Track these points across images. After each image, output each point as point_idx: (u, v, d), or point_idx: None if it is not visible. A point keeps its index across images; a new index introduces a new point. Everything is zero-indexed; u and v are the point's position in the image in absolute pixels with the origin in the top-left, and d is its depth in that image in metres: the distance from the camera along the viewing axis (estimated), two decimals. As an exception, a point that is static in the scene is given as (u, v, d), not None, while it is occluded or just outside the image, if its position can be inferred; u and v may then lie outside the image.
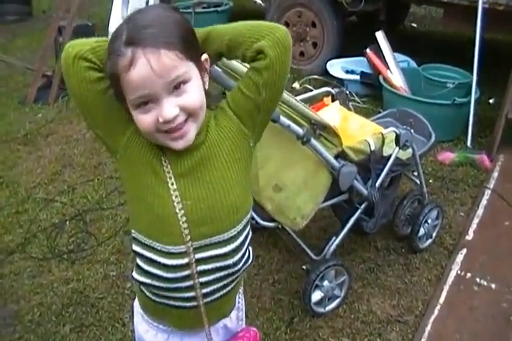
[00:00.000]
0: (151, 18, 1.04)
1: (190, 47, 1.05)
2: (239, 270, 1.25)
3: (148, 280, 1.21)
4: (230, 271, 1.22)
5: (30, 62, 4.94)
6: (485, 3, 3.76)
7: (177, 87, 1.04)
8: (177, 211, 1.13)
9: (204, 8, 6.02)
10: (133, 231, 1.20)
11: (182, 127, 1.07)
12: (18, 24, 6.83)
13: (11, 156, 3.72)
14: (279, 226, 2.23)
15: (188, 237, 1.14)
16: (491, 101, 4.34)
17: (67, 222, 3.01)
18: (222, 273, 1.22)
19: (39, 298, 2.49)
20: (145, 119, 1.05)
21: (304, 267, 2.37)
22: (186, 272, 1.17)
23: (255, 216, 2.22)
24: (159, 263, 1.17)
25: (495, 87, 4.18)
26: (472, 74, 3.76)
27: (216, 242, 1.17)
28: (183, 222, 1.13)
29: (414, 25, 6.57)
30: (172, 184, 1.13)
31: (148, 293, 1.26)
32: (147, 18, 1.04)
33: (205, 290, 1.21)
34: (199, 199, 1.15)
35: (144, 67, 0.99)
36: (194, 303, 1.22)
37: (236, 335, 1.38)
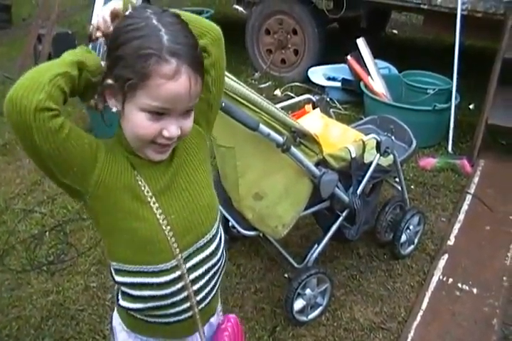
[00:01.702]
0: (184, 34, 1.03)
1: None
2: (221, 266, 1.27)
3: (141, 305, 1.18)
4: (216, 268, 1.24)
5: (9, 71, 4.88)
6: (463, 10, 3.80)
7: (187, 111, 1.06)
8: (164, 228, 1.12)
9: (185, 15, 6.01)
10: (114, 263, 1.16)
11: (171, 145, 1.10)
12: (-3, 32, 6.77)
13: (-10, 166, 3.66)
14: (261, 234, 2.21)
15: (177, 250, 1.14)
16: (471, 106, 4.39)
17: (47, 233, 2.97)
18: (210, 274, 1.23)
19: (17, 311, 2.44)
20: (151, 127, 1.03)
21: (286, 275, 2.36)
22: (180, 284, 1.17)
23: (236, 225, 2.20)
24: (151, 284, 1.15)
25: (475, 93, 4.23)
26: (452, 81, 3.79)
27: (202, 245, 1.19)
28: (170, 237, 1.13)
29: (395, 31, 6.61)
30: (154, 203, 1.12)
31: (139, 316, 1.23)
32: (179, 30, 1.03)
33: (198, 297, 1.21)
34: (181, 210, 1.15)
35: (185, 84, 1.00)
36: (189, 313, 1.21)
37: (219, 328, 1.38)
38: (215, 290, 1.28)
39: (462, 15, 3.79)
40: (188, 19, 1.11)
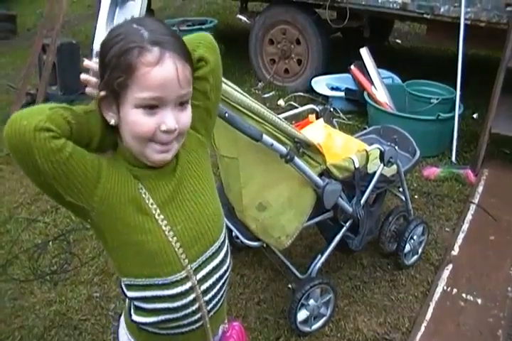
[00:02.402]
0: (165, 29, 1.05)
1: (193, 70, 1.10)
2: (229, 272, 1.27)
3: (154, 319, 1.17)
4: (225, 276, 1.24)
5: (14, 81, 4.91)
6: (467, 19, 3.81)
7: (182, 103, 1.06)
8: (170, 239, 1.12)
9: (189, 26, 6.05)
10: (125, 279, 1.16)
11: (171, 143, 1.08)
12: (2, 42, 6.81)
13: (-6, 176, 3.68)
14: (264, 245, 2.21)
15: (186, 261, 1.14)
16: (474, 116, 4.39)
17: (50, 243, 2.97)
18: (220, 283, 1.22)
19: (20, 321, 2.44)
20: (148, 122, 1.03)
21: (290, 286, 2.35)
22: (192, 296, 1.16)
23: (239, 235, 2.20)
24: (164, 296, 1.14)
25: (478, 102, 4.23)
26: (456, 90, 3.79)
27: (211, 254, 1.18)
28: (178, 248, 1.12)
29: (398, 41, 6.63)
30: (158, 215, 1.11)
31: (152, 329, 1.21)
32: (160, 27, 1.05)
33: (209, 307, 1.21)
34: (187, 220, 1.15)
35: (171, 69, 1.01)
36: (201, 323, 1.21)
37: (225, 335, 1.36)
38: (223, 298, 1.28)
39: (465, 25, 3.80)
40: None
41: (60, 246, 2.95)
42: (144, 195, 1.10)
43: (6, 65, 5.94)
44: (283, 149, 1.89)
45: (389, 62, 4.73)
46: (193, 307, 1.17)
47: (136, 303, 1.18)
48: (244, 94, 1.79)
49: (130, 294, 1.17)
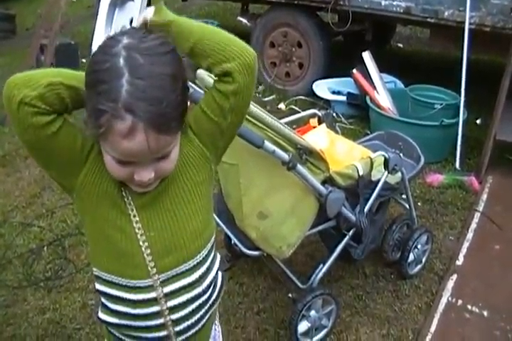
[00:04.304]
0: (150, 85, 0.91)
1: (183, 119, 1.01)
2: (209, 298, 1.20)
3: (115, 320, 1.14)
4: (201, 300, 1.18)
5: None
6: (471, 24, 3.76)
7: (162, 157, 1.01)
8: (141, 243, 1.09)
9: (189, 27, 5.99)
10: (94, 269, 1.15)
11: (151, 183, 1.05)
12: (0, 42, 6.76)
13: (-11, 178, 3.61)
14: (264, 253, 2.14)
15: (154, 270, 1.10)
16: (478, 121, 4.33)
17: (45, 248, 2.90)
18: (193, 306, 1.17)
19: (12, 330, 2.37)
20: (120, 171, 1.01)
21: (290, 295, 2.29)
22: (155, 308, 1.12)
23: (239, 244, 2.13)
24: (125, 299, 1.11)
25: (481, 107, 4.17)
26: (459, 95, 3.74)
27: (183, 271, 1.13)
28: (147, 255, 1.09)
29: (400, 45, 6.58)
30: (134, 216, 1.08)
31: (118, 335, 1.19)
32: (147, 80, 0.91)
33: (178, 328, 1.16)
34: (162, 229, 1.11)
35: (141, 143, 0.93)
36: None
37: None
38: (200, 325, 1.21)
39: (470, 30, 3.74)
40: (219, 39, 1.05)
41: (55, 251, 2.89)
42: (124, 193, 1.08)
43: (3, 64, 5.86)
44: (285, 156, 1.83)
45: (391, 66, 4.67)
46: (157, 322, 1.13)
47: (103, 300, 1.17)
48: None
49: (97, 286, 1.16)
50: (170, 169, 1.05)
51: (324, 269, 2.26)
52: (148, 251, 1.09)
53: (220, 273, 1.26)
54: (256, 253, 2.09)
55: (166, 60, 0.95)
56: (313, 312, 2.22)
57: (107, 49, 0.94)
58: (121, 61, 0.91)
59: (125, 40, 0.94)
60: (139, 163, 0.99)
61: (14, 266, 2.77)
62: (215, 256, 1.23)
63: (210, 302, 1.22)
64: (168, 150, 1.00)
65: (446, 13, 3.92)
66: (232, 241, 2.27)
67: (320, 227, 2.19)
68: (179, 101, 0.96)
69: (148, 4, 5.09)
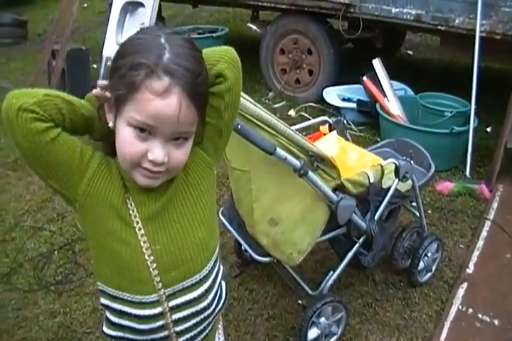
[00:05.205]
0: (190, 59, 0.98)
1: (205, 110, 1.05)
2: (214, 311, 1.20)
3: (120, 334, 1.13)
4: (206, 313, 1.17)
5: (22, 86, 4.88)
6: (482, 32, 3.75)
7: (178, 138, 1.01)
8: (146, 257, 1.07)
9: (199, 33, 6.03)
10: (99, 283, 1.13)
11: (158, 174, 1.03)
12: (12, 47, 6.85)
13: (0, 182, 3.64)
14: (274, 260, 2.14)
15: (160, 284, 1.08)
16: (488, 129, 4.32)
17: (56, 252, 2.92)
18: (198, 318, 1.16)
19: (23, 333, 2.39)
20: (136, 145, 0.99)
21: (300, 302, 2.29)
22: (160, 322, 1.11)
23: (249, 250, 2.14)
24: (130, 314, 1.10)
25: (492, 115, 4.16)
26: (470, 103, 3.73)
27: (189, 285, 1.12)
28: (153, 269, 1.07)
29: (410, 52, 6.58)
30: (139, 229, 1.07)
31: None
32: (187, 54, 0.99)
33: (182, 339, 1.15)
34: (168, 242, 1.09)
35: (174, 106, 0.95)
36: None
37: None
38: (204, 335, 1.21)
39: (480, 37, 3.74)
40: (204, 52, 1.08)
41: (66, 255, 2.90)
42: (129, 205, 1.07)
43: (15, 69, 5.94)
44: (297, 163, 1.83)
45: (401, 73, 4.67)
46: (161, 334, 1.12)
47: (107, 314, 1.15)
48: (258, 105, 1.73)
49: (102, 300, 1.14)
50: (180, 163, 1.05)
51: (334, 276, 2.25)
52: (154, 265, 1.07)
53: (223, 284, 1.26)
54: (266, 259, 2.09)
55: (197, 51, 1.03)
56: (323, 319, 2.22)
57: (148, 30, 1.02)
58: (163, 40, 0.97)
59: (163, 30, 1.01)
60: (158, 137, 0.98)
61: (25, 270, 2.78)
62: (219, 269, 1.22)
63: (215, 314, 1.21)
64: (191, 131, 1.02)
65: (456, 21, 3.92)
66: (243, 247, 2.27)
67: (330, 234, 2.19)
68: (207, 87, 1.03)
69: (159, 12, 5.12)
